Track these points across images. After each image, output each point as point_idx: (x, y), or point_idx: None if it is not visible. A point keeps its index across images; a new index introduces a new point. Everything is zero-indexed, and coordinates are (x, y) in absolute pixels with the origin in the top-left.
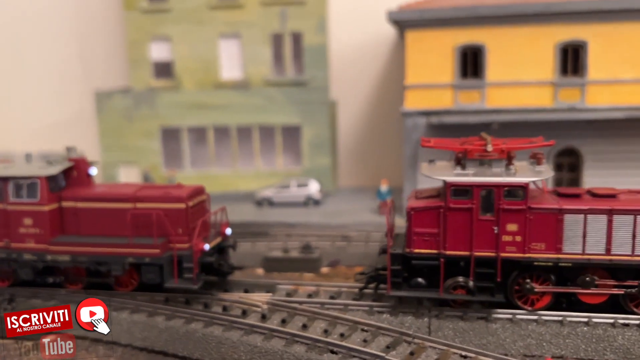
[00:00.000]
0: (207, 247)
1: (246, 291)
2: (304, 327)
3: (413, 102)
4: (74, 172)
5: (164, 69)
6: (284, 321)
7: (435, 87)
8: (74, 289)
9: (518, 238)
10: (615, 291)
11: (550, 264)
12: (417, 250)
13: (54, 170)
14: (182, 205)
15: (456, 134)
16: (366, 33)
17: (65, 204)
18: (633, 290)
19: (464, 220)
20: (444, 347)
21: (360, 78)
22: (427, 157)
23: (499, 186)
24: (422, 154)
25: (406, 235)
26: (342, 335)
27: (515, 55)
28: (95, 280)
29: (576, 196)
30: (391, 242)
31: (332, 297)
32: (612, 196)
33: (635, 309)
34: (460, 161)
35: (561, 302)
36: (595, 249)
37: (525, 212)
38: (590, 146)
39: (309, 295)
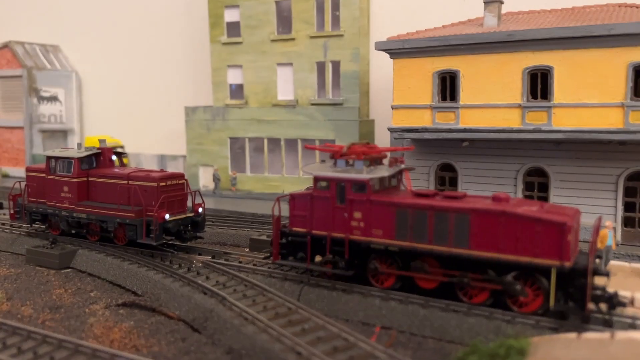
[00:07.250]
0: (166, 217)
1: (199, 254)
2: (207, 278)
3: (398, 120)
4: (102, 158)
5: (236, 91)
6: (198, 273)
7: (417, 108)
8: (92, 240)
9: (362, 224)
10: (440, 278)
11: (382, 247)
12: (294, 229)
13: (83, 154)
14: (154, 184)
15: (435, 148)
16: None
17: (91, 178)
18: (454, 279)
19: (325, 207)
20: (280, 300)
21: None
22: (408, 162)
23: (347, 181)
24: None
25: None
26: (224, 285)
27: (485, 79)
28: (104, 234)
29: (427, 196)
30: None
31: (254, 265)
32: (457, 198)
33: (462, 297)
34: (335, 161)
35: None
36: (419, 239)
37: (367, 203)
38: (557, 167)
39: (239, 262)
